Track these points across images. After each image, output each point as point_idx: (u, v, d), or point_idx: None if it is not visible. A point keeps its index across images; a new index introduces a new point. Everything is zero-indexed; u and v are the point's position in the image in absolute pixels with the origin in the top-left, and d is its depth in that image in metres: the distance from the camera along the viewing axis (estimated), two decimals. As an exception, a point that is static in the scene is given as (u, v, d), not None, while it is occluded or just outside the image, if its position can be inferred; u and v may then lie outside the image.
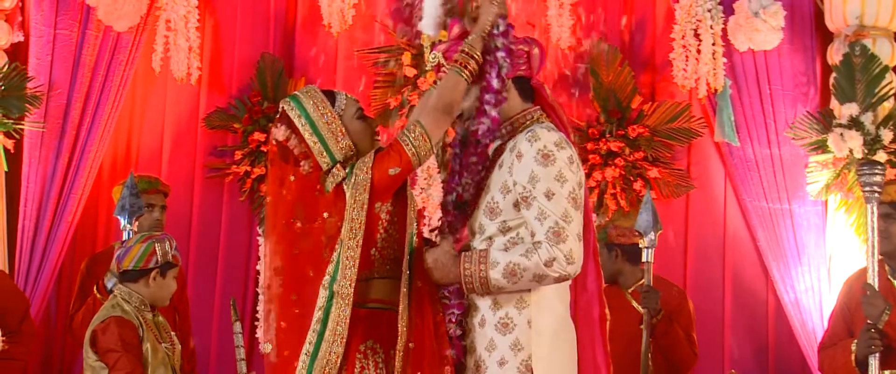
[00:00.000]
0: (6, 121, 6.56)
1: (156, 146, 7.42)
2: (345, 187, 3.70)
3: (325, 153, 3.74)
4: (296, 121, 3.77)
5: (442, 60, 3.79)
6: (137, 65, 7.26)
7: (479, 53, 3.73)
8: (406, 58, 7.14)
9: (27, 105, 6.64)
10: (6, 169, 6.85)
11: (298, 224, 3.74)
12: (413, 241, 3.77)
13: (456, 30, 3.85)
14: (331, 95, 3.84)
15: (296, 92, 3.88)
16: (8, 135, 6.67)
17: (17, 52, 7.07)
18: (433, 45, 3.94)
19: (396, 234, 3.78)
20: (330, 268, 3.67)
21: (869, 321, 5.02)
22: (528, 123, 3.78)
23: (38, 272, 6.88)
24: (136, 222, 5.50)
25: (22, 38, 7.11)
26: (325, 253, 3.71)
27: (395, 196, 3.78)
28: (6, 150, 6.77)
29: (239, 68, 7.45)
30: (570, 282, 3.71)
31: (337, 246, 3.68)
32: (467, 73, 3.72)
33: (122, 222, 5.49)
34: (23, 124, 6.71)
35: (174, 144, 7.41)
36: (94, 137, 7.06)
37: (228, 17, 7.53)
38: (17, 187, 6.97)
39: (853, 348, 5.08)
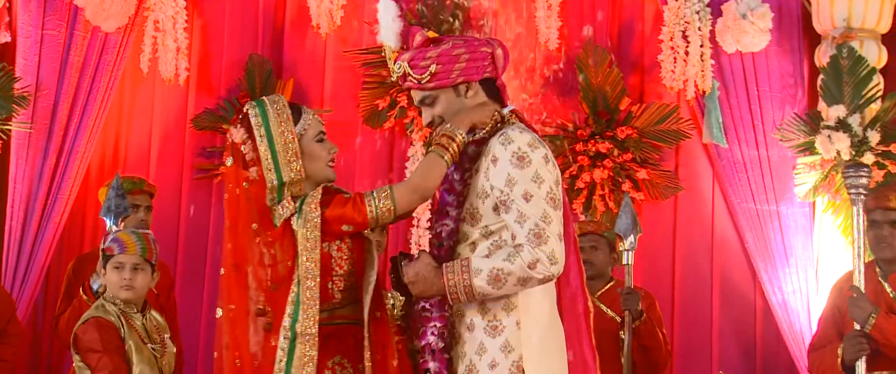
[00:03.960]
0: (-6, 120, 6.56)
1: (144, 147, 7.41)
2: (293, 223, 3.68)
3: (273, 170, 3.71)
4: (255, 129, 3.74)
5: (408, 69, 3.78)
6: (125, 66, 7.25)
7: (461, 137, 3.74)
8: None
9: (14, 106, 6.62)
10: (-5, 169, 6.85)
11: (255, 227, 3.71)
12: (371, 287, 3.75)
13: (418, 38, 3.85)
14: (297, 112, 3.81)
15: (263, 98, 3.85)
16: (-3, 135, 6.68)
17: (5, 53, 7.06)
18: (396, 56, 3.94)
19: (352, 270, 3.78)
20: (290, 309, 3.63)
21: (856, 326, 5.04)
22: (499, 126, 3.78)
23: (25, 274, 6.86)
24: (122, 223, 5.50)
25: (9, 39, 7.09)
26: (273, 285, 3.69)
27: (351, 237, 3.77)
28: (-5, 149, 6.77)
29: (227, 69, 7.44)
30: (549, 268, 3.70)
31: (294, 286, 3.66)
32: (448, 156, 3.73)
33: (108, 223, 5.49)
34: (10, 125, 6.69)
35: (162, 146, 7.41)
36: (82, 138, 7.04)
37: (217, 17, 7.52)
38: (4, 188, 6.96)
39: (840, 351, 5.10)
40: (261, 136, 3.73)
